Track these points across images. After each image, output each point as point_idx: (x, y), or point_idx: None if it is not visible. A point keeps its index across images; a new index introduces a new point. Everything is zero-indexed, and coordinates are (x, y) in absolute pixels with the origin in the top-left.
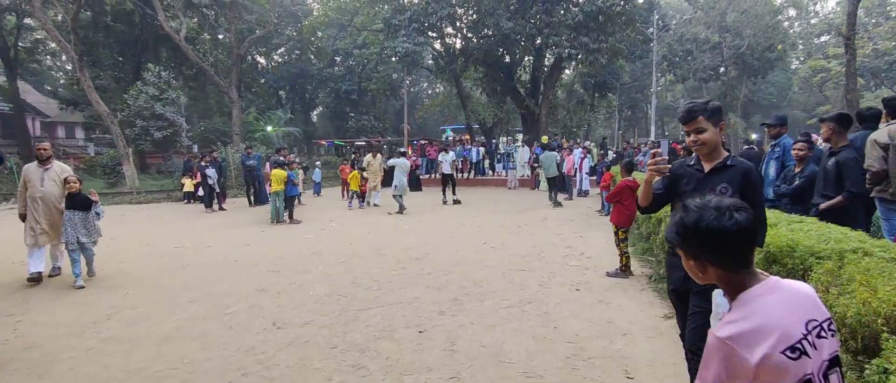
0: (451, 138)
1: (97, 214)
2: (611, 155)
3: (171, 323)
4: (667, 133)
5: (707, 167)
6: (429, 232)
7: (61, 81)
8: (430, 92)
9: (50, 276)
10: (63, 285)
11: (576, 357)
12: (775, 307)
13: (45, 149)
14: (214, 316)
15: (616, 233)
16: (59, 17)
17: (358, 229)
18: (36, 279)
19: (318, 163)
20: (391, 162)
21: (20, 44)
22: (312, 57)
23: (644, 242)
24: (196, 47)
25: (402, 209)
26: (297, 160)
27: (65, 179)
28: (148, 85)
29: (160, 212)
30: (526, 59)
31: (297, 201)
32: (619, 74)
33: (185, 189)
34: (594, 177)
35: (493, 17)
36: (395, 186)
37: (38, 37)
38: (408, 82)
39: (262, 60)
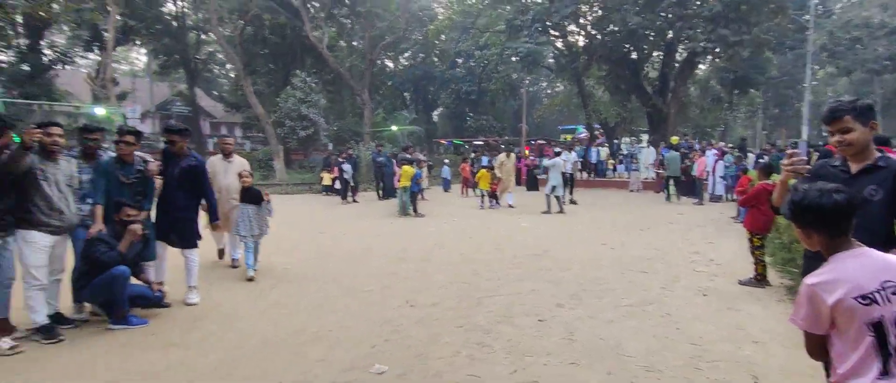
0: (581, 136)
1: (268, 211)
2: (750, 157)
3: (319, 296)
4: (824, 133)
5: (854, 168)
6: (547, 231)
7: (225, 87)
8: (549, 91)
9: (220, 263)
10: (224, 266)
11: (699, 358)
12: (854, 266)
13: (229, 144)
14: (354, 293)
15: (751, 240)
16: (227, 32)
17: (477, 226)
18: (218, 255)
19: (446, 161)
20: (547, 162)
21: (197, 56)
22: (436, 59)
23: (785, 252)
24: (334, 54)
25: (560, 209)
26: (422, 158)
27: (239, 174)
28: (296, 89)
29: (304, 202)
30: (654, 55)
31: (420, 196)
32: (765, 68)
33: (324, 182)
34: (727, 181)
35: (619, 13)
36: (553, 187)
37: (210, 50)
38: (527, 82)
39: (390, 64)
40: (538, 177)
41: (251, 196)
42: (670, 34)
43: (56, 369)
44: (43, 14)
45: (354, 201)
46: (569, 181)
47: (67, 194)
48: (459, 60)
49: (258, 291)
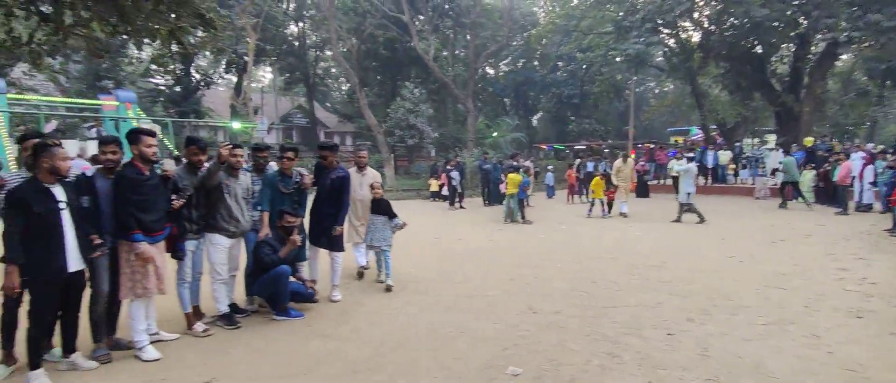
0: (694, 137)
1: (396, 225)
2: None
3: (446, 298)
4: None
5: None
6: (662, 239)
7: (338, 100)
8: (656, 91)
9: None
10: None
11: None
12: None
13: (364, 157)
14: (477, 296)
15: None
16: (343, 50)
17: (587, 233)
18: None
19: (549, 167)
20: (678, 167)
21: (316, 72)
22: (536, 63)
23: None
24: (438, 64)
25: (701, 218)
26: (528, 165)
27: (371, 185)
28: (404, 100)
29: (414, 208)
30: (783, 48)
31: (525, 202)
32: None
33: (432, 189)
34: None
35: (741, 6)
36: (689, 194)
37: (325, 65)
38: (633, 83)
39: (490, 71)
40: (648, 183)
41: (381, 207)
42: (804, 24)
43: (239, 350)
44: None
45: (462, 207)
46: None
47: (242, 204)
48: (560, 64)
49: (390, 291)
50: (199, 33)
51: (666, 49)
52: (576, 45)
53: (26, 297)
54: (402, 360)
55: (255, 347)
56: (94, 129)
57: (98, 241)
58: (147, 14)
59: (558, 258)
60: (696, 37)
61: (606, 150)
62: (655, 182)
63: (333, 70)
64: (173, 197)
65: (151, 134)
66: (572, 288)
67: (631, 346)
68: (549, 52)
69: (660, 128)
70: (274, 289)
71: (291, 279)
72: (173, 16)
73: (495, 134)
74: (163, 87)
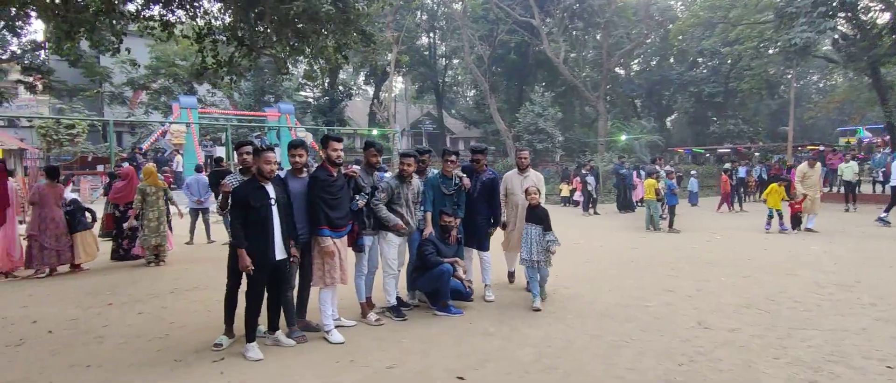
0: (866, 139)
1: (551, 242)
2: None
3: (598, 305)
4: None
5: None
6: (848, 255)
7: (463, 106)
8: (820, 86)
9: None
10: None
11: None
12: None
13: (525, 158)
14: (635, 306)
15: None
16: (474, 56)
17: (749, 244)
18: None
19: (693, 172)
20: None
21: (444, 80)
22: (672, 61)
23: None
24: (568, 66)
25: None
26: (668, 169)
27: (525, 190)
28: (534, 104)
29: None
30: None
31: (663, 210)
32: None
33: (562, 194)
34: None
35: None
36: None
37: (452, 73)
38: (793, 77)
39: (620, 71)
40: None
41: (536, 216)
42: None
43: (410, 341)
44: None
45: (596, 213)
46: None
47: (412, 206)
48: (701, 60)
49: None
50: (360, 48)
51: (838, 36)
52: (720, 39)
53: (243, 281)
54: (570, 364)
55: (424, 339)
56: (259, 139)
57: (295, 254)
58: (319, 34)
59: (721, 270)
60: (883, 18)
61: (756, 154)
62: (827, 189)
63: (460, 77)
64: (357, 197)
65: (339, 139)
66: (746, 305)
67: (840, 376)
68: (687, 48)
69: (825, 127)
70: (436, 286)
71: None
72: (340, 34)
73: (625, 137)
74: (311, 100)
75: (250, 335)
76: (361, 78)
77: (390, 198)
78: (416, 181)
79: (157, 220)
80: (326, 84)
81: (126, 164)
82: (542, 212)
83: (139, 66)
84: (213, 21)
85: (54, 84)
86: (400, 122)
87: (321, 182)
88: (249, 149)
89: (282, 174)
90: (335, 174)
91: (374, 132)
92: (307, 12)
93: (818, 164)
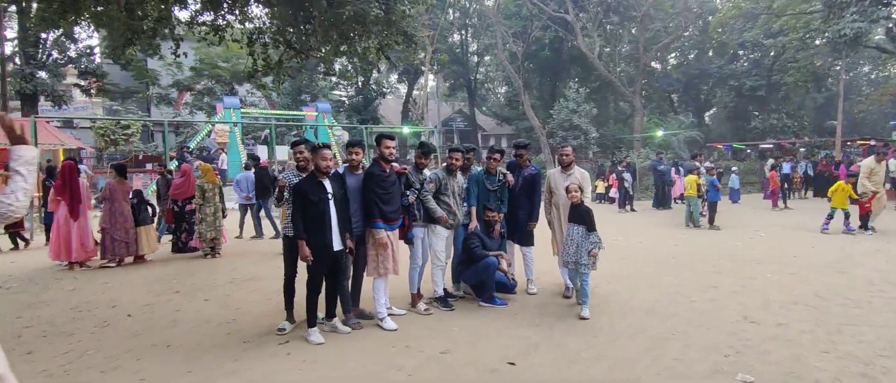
0: None
1: (594, 244)
2: None
3: (641, 300)
4: None
5: None
6: None
7: (494, 103)
8: (872, 77)
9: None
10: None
11: None
12: None
13: (568, 155)
14: (679, 302)
15: None
16: (506, 53)
17: (795, 242)
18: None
19: (734, 168)
20: None
21: (477, 77)
22: (710, 54)
23: None
24: (602, 61)
25: None
26: (708, 165)
27: (566, 188)
28: (568, 101)
29: None
30: None
31: (703, 207)
32: None
33: (597, 190)
34: None
35: None
36: None
37: (484, 70)
38: (841, 68)
39: (656, 65)
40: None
41: (579, 216)
42: None
43: (459, 330)
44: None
45: (632, 210)
46: None
47: (458, 200)
48: (741, 52)
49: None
50: (402, 48)
51: (892, 24)
52: (763, 30)
53: (300, 269)
54: (618, 355)
55: (472, 328)
56: (297, 136)
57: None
58: (363, 36)
59: (766, 267)
60: None
61: (801, 150)
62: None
63: (491, 74)
64: (407, 192)
65: (391, 137)
66: (793, 302)
67: (891, 371)
68: (728, 40)
69: (877, 121)
70: (482, 278)
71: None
72: (385, 34)
73: (661, 133)
74: (345, 99)
75: (311, 320)
76: (394, 77)
77: (438, 188)
78: (460, 176)
79: (213, 215)
80: (360, 83)
81: (181, 162)
82: (585, 210)
83: (185, 67)
84: (262, 26)
85: (108, 87)
86: (431, 120)
87: (375, 177)
88: (304, 147)
89: (340, 170)
90: (388, 170)
91: (406, 130)
92: (355, 16)
93: (888, 160)
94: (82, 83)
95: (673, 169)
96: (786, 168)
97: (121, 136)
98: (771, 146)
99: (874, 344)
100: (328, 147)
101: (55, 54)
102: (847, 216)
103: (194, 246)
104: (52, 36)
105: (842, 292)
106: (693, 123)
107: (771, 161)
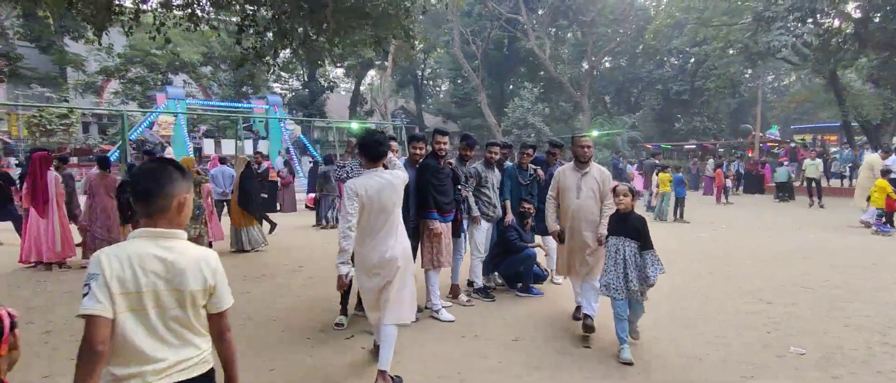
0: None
1: (656, 268)
2: None
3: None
4: None
5: None
6: (848, 242)
7: (439, 99)
8: (775, 85)
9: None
10: None
11: None
12: None
13: (588, 147)
14: (681, 289)
15: None
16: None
17: (751, 234)
18: (589, 328)
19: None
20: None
21: (424, 74)
22: (639, 60)
23: None
24: (552, 62)
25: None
26: (663, 163)
27: (614, 190)
28: (523, 99)
29: None
30: None
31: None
32: None
33: None
34: None
35: None
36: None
37: (431, 66)
38: (759, 77)
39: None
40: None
41: (629, 228)
42: None
43: (511, 317)
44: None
45: None
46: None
47: (496, 193)
48: (670, 59)
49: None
50: (400, 42)
51: (797, 39)
52: (689, 39)
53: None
54: (659, 336)
55: (524, 316)
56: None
57: None
58: (356, 28)
59: (743, 256)
60: (850, 27)
61: (720, 150)
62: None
63: (438, 71)
64: (458, 187)
65: (445, 133)
66: (791, 285)
67: None
68: (659, 47)
69: (782, 124)
70: (520, 269)
71: None
72: (382, 28)
73: (596, 132)
74: (287, 93)
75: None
76: (340, 71)
77: (479, 182)
78: (497, 170)
79: (195, 211)
80: (305, 77)
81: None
82: (639, 220)
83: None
84: (255, 13)
85: (23, 70)
86: (379, 115)
87: (431, 168)
88: (421, 143)
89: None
90: (442, 164)
91: (354, 125)
92: (357, 8)
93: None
94: None
95: (636, 167)
96: (734, 166)
97: (58, 126)
98: (694, 146)
99: (876, 317)
100: (424, 139)
101: None
102: (881, 216)
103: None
104: None
105: (820, 276)
106: (634, 124)
107: (712, 161)
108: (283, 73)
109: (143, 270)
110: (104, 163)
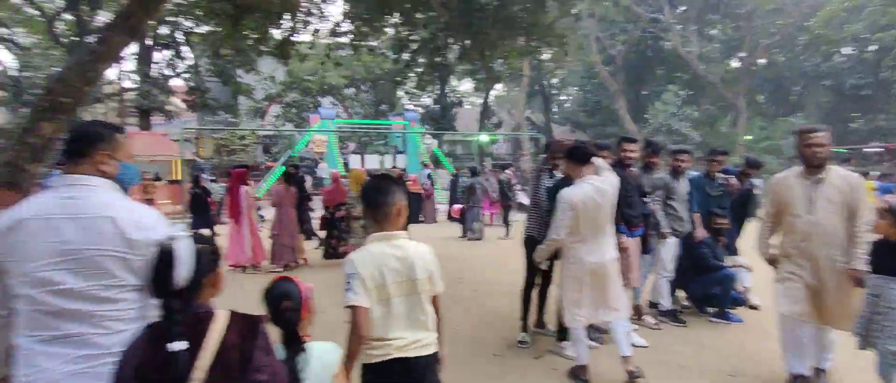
0: None
1: None
2: None
3: None
4: None
5: None
6: None
7: (566, 109)
8: None
9: None
10: None
11: None
12: None
13: (820, 146)
14: None
15: None
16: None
17: None
18: None
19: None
20: None
21: (551, 83)
22: (802, 53)
23: None
24: (701, 62)
25: None
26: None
27: (890, 206)
28: (667, 104)
29: None
30: None
31: None
32: None
33: None
34: None
35: None
36: None
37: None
38: None
39: (736, 66)
40: None
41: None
42: None
43: (702, 347)
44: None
45: None
46: None
47: (684, 206)
48: (842, 50)
49: None
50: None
51: None
52: (870, 23)
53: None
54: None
55: (731, 345)
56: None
57: None
58: (509, 38)
59: None
60: None
61: None
62: None
63: (567, 80)
64: (644, 199)
65: (633, 140)
66: None
67: None
68: (832, 35)
69: None
70: (718, 291)
71: None
72: (534, 39)
73: (749, 137)
74: (420, 109)
75: (562, 333)
76: (470, 85)
77: (667, 194)
78: (684, 180)
79: (366, 221)
80: (436, 93)
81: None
82: None
83: (277, 80)
84: (405, 34)
85: (209, 101)
86: (505, 127)
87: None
88: (635, 146)
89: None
90: (628, 173)
91: (484, 138)
92: (514, 20)
93: None
94: (188, 98)
95: None
96: None
97: (239, 147)
98: (879, 149)
99: None
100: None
101: (166, 72)
102: None
103: (346, 251)
104: (164, 55)
105: None
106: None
107: None
108: (415, 91)
109: (386, 267)
110: (289, 176)
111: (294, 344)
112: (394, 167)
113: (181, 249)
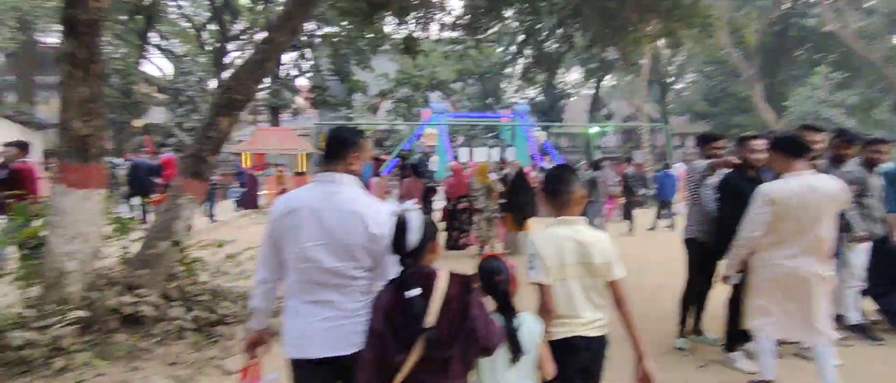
0: None
1: None
2: None
3: None
4: None
5: None
6: None
7: (684, 97)
8: None
9: None
10: None
11: None
12: None
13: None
14: None
15: None
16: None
17: None
18: None
19: None
20: None
21: (668, 71)
22: None
23: None
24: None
25: None
26: None
27: None
28: (816, 89)
29: None
30: None
31: None
32: None
33: None
34: None
35: None
36: None
37: (676, 64)
38: None
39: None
40: None
41: None
42: None
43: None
44: None
45: None
46: None
47: (877, 203)
48: None
49: None
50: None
51: None
52: None
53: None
54: None
55: None
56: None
57: None
58: (644, 22)
59: None
60: None
61: None
62: None
63: (685, 66)
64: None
65: (819, 130)
66: None
67: None
68: None
69: None
70: None
71: None
72: (672, 21)
73: None
74: (525, 102)
75: (731, 344)
76: (580, 75)
77: (860, 191)
78: (877, 175)
79: (488, 214)
80: (543, 85)
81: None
82: None
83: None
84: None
85: (328, 98)
86: (616, 118)
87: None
88: (722, 143)
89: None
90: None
91: (593, 130)
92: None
93: None
94: (310, 96)
95: None
96: None
97: None
98: None
99: None
100: (758, 138)
101: (292, 72)
102: None
103: (465, 243)
104: (291, 57)
105: None
106: None
107: None
108: (523, 84)
109: (564, 249)
110: (417, 169)
111: (508, 310)
112: (502, 160)
113: (413, 219)
